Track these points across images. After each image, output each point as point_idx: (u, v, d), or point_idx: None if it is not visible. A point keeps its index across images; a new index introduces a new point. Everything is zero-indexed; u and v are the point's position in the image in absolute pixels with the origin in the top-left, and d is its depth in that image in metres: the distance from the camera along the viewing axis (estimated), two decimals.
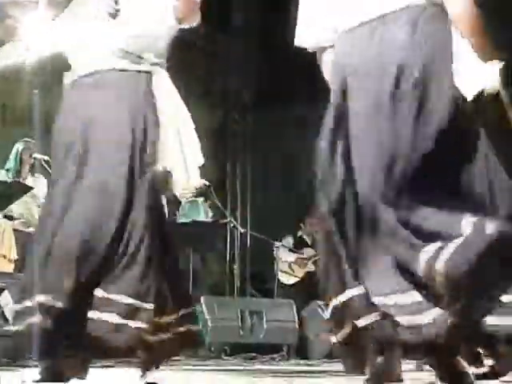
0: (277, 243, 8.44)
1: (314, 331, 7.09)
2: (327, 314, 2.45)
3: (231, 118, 10.67)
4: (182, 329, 2.92)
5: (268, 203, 10.49)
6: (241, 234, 8.87)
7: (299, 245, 8.56)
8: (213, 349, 6.56)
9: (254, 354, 6.53)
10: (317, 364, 6.30)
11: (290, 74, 9.43)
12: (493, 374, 3.07)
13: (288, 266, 8.58)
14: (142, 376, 2.91)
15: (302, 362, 6.78)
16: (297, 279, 8.51)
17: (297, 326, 7.16)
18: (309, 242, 8.51)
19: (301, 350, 7.35)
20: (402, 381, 2.45)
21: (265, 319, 6.91)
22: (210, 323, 6.48)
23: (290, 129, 10.56)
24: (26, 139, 6.49)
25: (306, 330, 7.29)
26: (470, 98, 2.41)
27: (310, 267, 8.30)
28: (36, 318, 2.78)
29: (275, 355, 6.66)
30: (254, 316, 6.87)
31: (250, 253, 9.61)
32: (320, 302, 6.77)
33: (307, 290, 7.92)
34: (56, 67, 3.27)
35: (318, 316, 6.93)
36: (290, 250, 8.61)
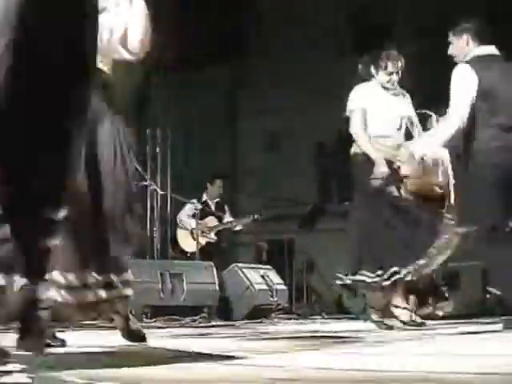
0: (198, 205, 8.06)
1: (235, 293, 7.22)
2: None
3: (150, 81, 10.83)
4: None
5: (188, 166, 11.32)
6: (161, 196, 8.22)
7: (203, 209, 7.94)
8: (133, 312, 6.85)
9: (175, 317, 6.56)
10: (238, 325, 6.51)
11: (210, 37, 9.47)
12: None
13: (190, 232, 7.95)
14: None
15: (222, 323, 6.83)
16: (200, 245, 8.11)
17: (217, 287, 7.07)
18: (212, 208, 7.62)
19: (222, 312, 7.12)
20: None
21: (185, 281, 6.88)
22: None
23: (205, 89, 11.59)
24: None
25: (226, 292, 7.18)
26: None
27: (211, 237, 7.32)
28: None
29: (196, 317, 6.69)
30: (175, 278, 6.85)
31: (171, 215, 8.70)
32: (240, 265, 7.89)
33: (227, 253, 7.95)
34: None
35: (238, 278, 7.25)
36: (193, 217, 7.86)
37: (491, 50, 4.88)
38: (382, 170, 5.04)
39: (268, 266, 8.51)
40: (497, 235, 4.56)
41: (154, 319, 6.39)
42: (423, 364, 2.39)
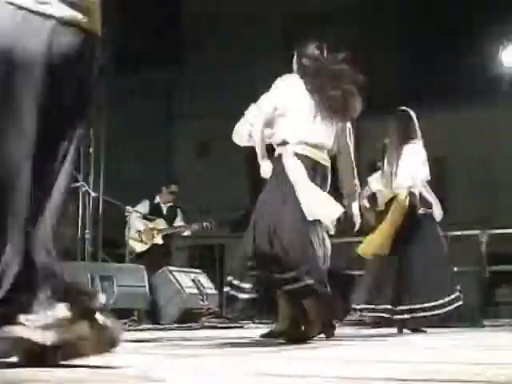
0: (130, 208, 7.81)
1: (165, 296, 7.18)
2: None
3: None
4: None
5: (124, 168, 10.95)
6: (93, 198, 8.00)
7: (154, 212, 8.01)
8: None
9: None
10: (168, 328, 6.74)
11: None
12: None
13: (137, 234, 7.93)
14: None
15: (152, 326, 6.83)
16: (145, 247, 8.21)
17: (147, 291, 7.06)
18: (164, 211, 7.66)
19: (151, 315, 7.15)
20: None
21: (115, 284, 6.80)
22: None
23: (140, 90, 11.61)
24: None
25: (157, 296, 7.16)
26: None
27: (158, 240, 7.28)
28: None
29: (126, 320, 6.53)
30: (105, 281, 6.77)
31: (103, 218, 8.56)
32: (171, 268, 7.85)
33: (159, 256, 7.84)
34: None
35: (169, 281, 7.25)
36: (144, 218, 7.92)
37: None
38: None
39: (199, 270, 8.50)
40: None
41: None
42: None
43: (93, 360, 2.03)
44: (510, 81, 11.47)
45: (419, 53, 11.93)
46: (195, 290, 7.74)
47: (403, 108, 6.40)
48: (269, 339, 4.42)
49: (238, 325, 7.84)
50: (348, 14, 13.07)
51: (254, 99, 4.75)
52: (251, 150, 4.70)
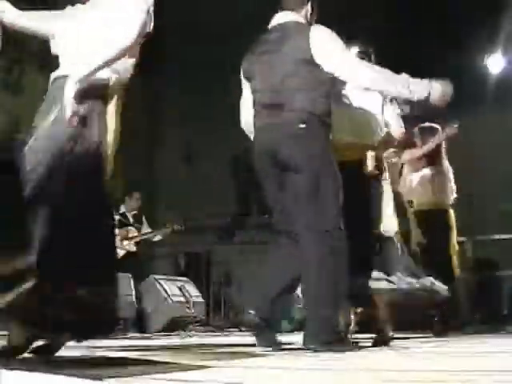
0: None
1: (151, 305, 7.14)
2: None
3: None
4: None
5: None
6: None
7: (122, 221, 7.89)
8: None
9: None
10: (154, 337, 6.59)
11: None
12: None
13: None
14: None
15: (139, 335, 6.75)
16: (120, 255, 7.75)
17: (134, 299, 7.03)
18: (130, 219, 7.65)
19: (138, 324, 7.10)
20: None
21: None
22: None
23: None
24: None
25: (144, 304, 7.13)
26: None
27: (131, 248, 7.25)
28: None
29: None
30: None
31: None
32: (157, 276, 7.34)
33: (146, 264, 7.85)
34: None
35: (155, 289, 7.22)
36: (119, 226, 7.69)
37: None
38: None
39: (185, 278, 8.43)
40: None
41: None
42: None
43: None
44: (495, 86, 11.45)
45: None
46: (182, 298, 7.67)
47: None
48: None
49: (225, 333, 7.79)
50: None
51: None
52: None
